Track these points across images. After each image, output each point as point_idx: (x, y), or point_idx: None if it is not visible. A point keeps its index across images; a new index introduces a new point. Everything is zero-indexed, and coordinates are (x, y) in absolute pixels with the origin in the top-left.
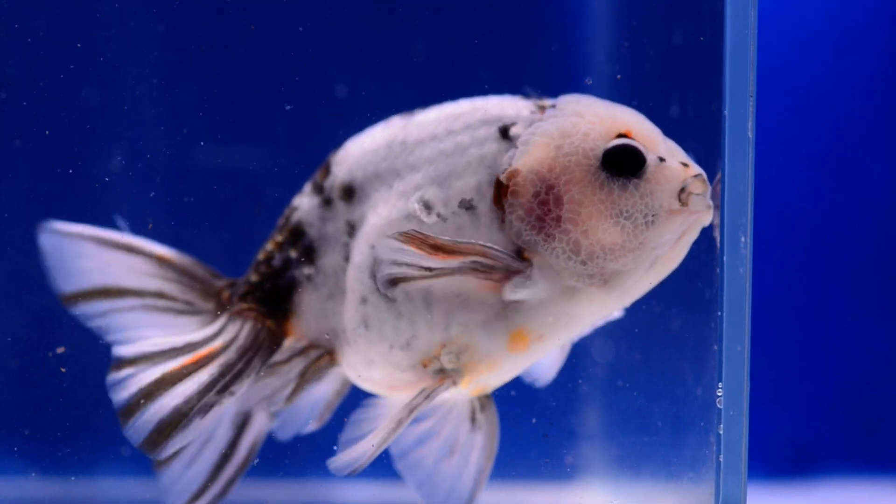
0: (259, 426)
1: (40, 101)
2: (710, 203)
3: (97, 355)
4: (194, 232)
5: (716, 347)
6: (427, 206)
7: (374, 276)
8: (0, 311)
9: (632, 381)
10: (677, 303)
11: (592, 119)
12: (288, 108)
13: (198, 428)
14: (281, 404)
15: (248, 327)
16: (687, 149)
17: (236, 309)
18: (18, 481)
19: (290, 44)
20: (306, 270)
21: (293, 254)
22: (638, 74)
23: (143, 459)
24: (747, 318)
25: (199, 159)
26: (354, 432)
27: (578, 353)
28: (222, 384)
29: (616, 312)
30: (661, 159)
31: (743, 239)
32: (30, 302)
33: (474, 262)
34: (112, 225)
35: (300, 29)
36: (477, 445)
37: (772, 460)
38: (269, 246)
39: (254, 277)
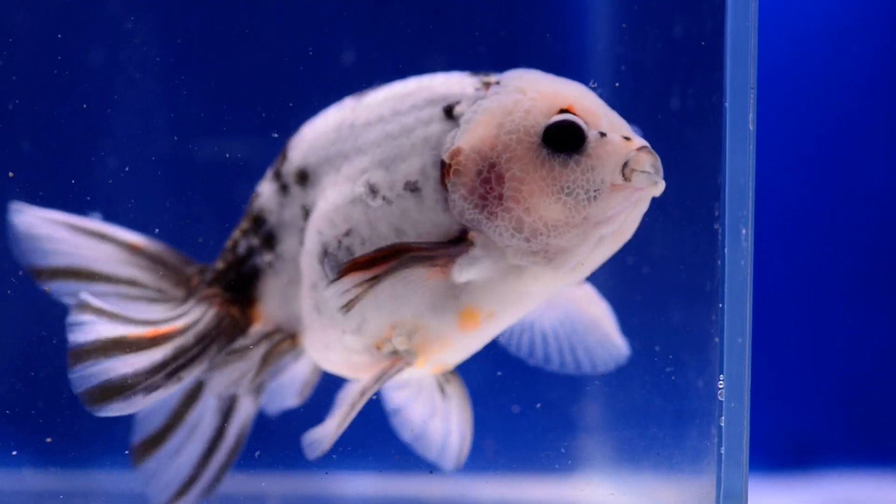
0: (245, 411)
1: (44, 97)
2: (656, 176)
3: None
4: (200, 227)
5: (717, 340)
6: (373, 190)
7: (322, 262)
8: None
9: (633, 374)
10: (678, 295)
11: (534, 95)
12: (290, 104)
13: (137, 404)
14: (247, 386)
15: (211, 313)
16: (688, 141)
17: (203, 294)
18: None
19: (291, 37)
20: (267, 257)
21: (255, 241)
22: (639, 67)
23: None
24: (748, 311)
25: (201, 153)
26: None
27: None
28: (172, 367)
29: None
30: (602, 134)
31: (744, 231)
32: (24, 294)
33: (410, 258)
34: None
35: (301, 21)
36: (453, 412)
37: (773, 453)
38: (235, 234)
39: (220, 265)
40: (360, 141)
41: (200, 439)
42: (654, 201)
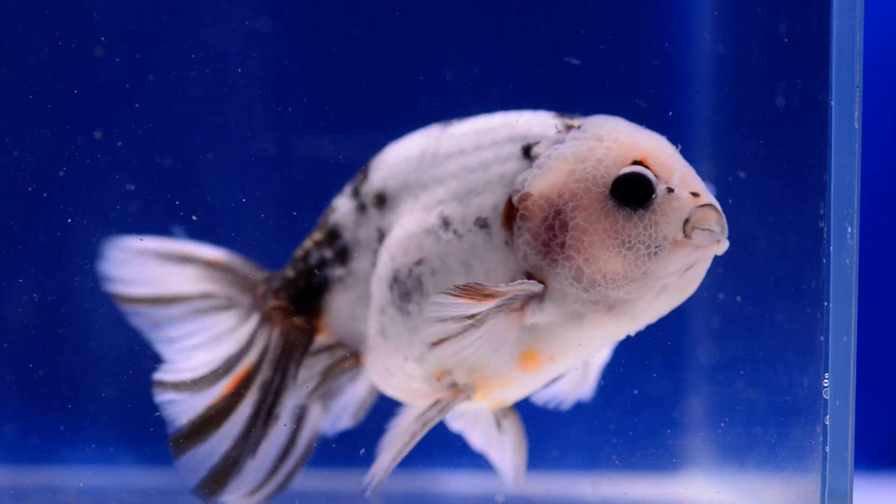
0: (315, 418)
1: (127, 91)
2: (719, 234)
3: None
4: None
5: (822, 338)
6: (446, 223)
7: (391, 286)
8: None
9: (737, 372)
10: (783, 294)
11: (610, 144)
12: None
13: (251, 469)
14: (304, 399)
15: (277, 333)
16: (793, 139)
17: (268, 308)
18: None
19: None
20: (339, 272)
21: (328, 253)
22: (744, 65)
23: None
24: (854, 309)
25: (300, 151)
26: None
27: (684, 344)
28: (265, 412)
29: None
30: (670, 189)
31: (849, 229)
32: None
33: (508, 299)
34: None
35: (404, 21)
36: (508, 445)
37: (879, 451)
38: (308, 243)
39: (290, 273)
40: (440, 171)
41: (274, 446)
42: (760, 200)
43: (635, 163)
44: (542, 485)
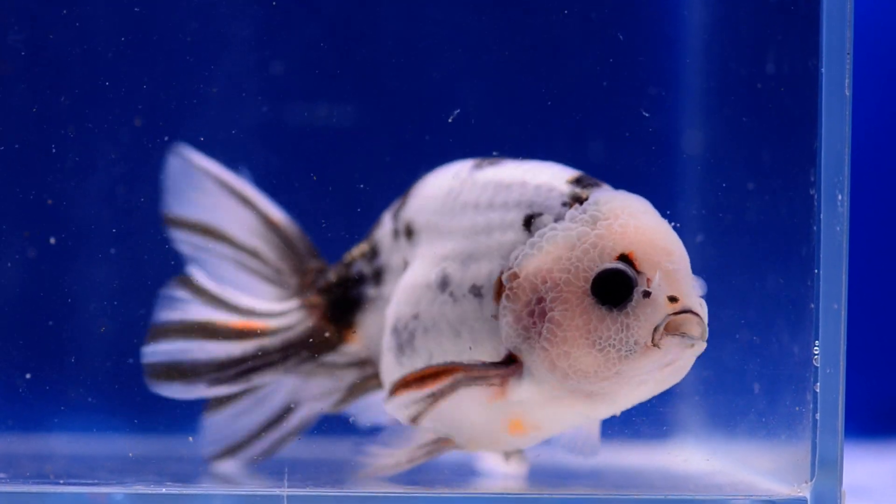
0: (308, 400)
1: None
2: (692, 340)
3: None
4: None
5: (812, 305)
6: (444, 283)
7: (392, 333)
8: None
9: (727, 340)
10: (773, 261)
11: (601, 232)
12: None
13: (196, 393)
14: (326, 408)
15: (306, 324)
16: (783, 106)
17: (308, 300)
18: None
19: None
20: (372, 291)
21: (367, 270)
22: (734, 32)
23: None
24: (844, 276)
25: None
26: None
27: None
28: (245, 367)
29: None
30: (647, 293)
31: (840, 197)
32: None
33: (465, 377)
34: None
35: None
36: (512, 470)
37: (868, 419)
38: (356, 251)
39: (333, 276)
40: (454, 223)
41: (263, 414)
42: (751, 168)
43: (622, 256)
44: (530, 453)
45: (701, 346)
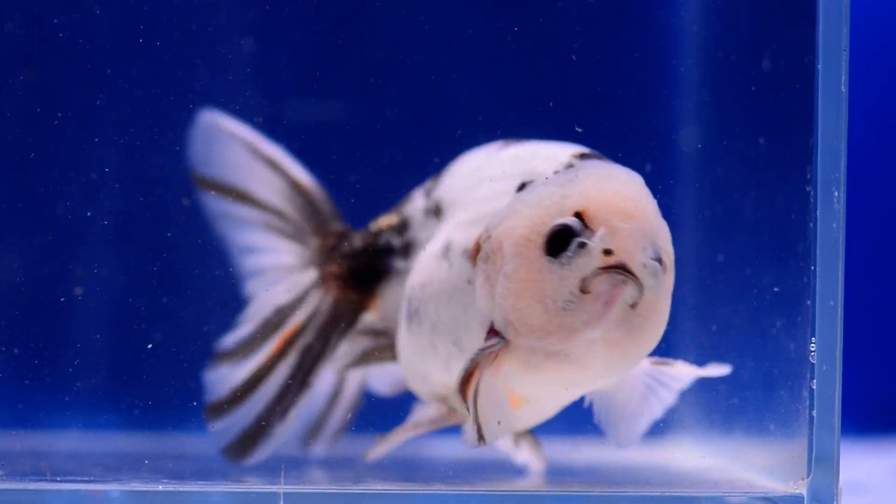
0: (351, 395)
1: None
2: (620, 279)
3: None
4: None
5: (809, 302)
6: (446, 249)
7: (407, 302)
8: None
9: (723, 336)
10: (770, 258)
11: (566, 192)
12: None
13: (281, 434)
14: (337, 372)
15: (329, 299)
16: (780, 102)
17: (327, 269)
18: None
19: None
20: (400, 264)
21: (396, 242)
22: (730, 28)
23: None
24: (840, 273)
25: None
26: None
27: (670, 308)
28: (301, 379)
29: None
30: (582, 244)
31: (836, 193)
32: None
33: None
34: None
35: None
36: (524, 455)
37: (865, 416)
38: (383, 222)
39: (358, 243)
40: (471, 195)
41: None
42: (747, 164)
43: (577, 213)
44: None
45: (634, 290)
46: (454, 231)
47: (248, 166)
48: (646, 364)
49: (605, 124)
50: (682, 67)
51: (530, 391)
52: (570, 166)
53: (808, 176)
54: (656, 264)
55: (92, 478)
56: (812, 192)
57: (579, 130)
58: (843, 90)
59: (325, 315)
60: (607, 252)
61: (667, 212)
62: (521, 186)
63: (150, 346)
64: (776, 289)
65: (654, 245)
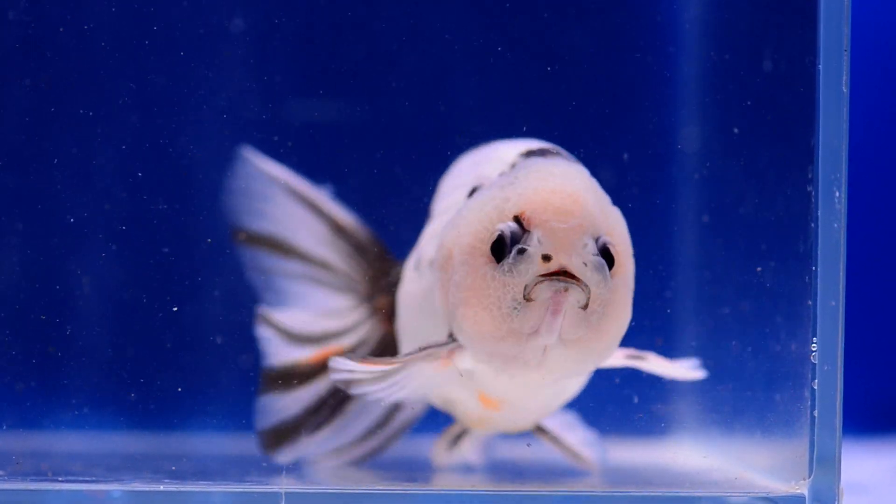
0: (399, 422)
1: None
2: (562, 286)
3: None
4: None
5: (810, 302)
6: (418, 262)
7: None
8: None
9: (725, 337)
10: (771, 258)
11: (505, 195)
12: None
13: (306, 446)
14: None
15: (377, 334)
16: (781, 103)
17: (377, 302)
18: None
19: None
20: None
21: None
22: (731, 28)
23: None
24: (842, 273)
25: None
26: None
27: (672, 309)
28: (342, 396)
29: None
30: (522, 250)
31: (837, 194)
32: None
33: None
34: None
35: None
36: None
37: (866, 416)
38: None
39: (398, 274)
40: (443, 205)
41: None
42: (749, 164)
43: (516, 217)
44: (532, 451)
45: (579, 294)
46: (424, 242)
47: (291, 215)
48: (619, 356)
49: (607, 125)
50: (683, 68)
51: (503, 393)
52: (513, 166)
53: (810, 176)
54: (599, 260)
55: (93, 478)
56: (813, 193)
57: (587, 132)
58: (845, 90)
59: (371, 346)
60: (546, 257)
61: (669, 212)
62: (472, 192)
63: (152, 346)
64: (777, 289)
65: (596, 239)
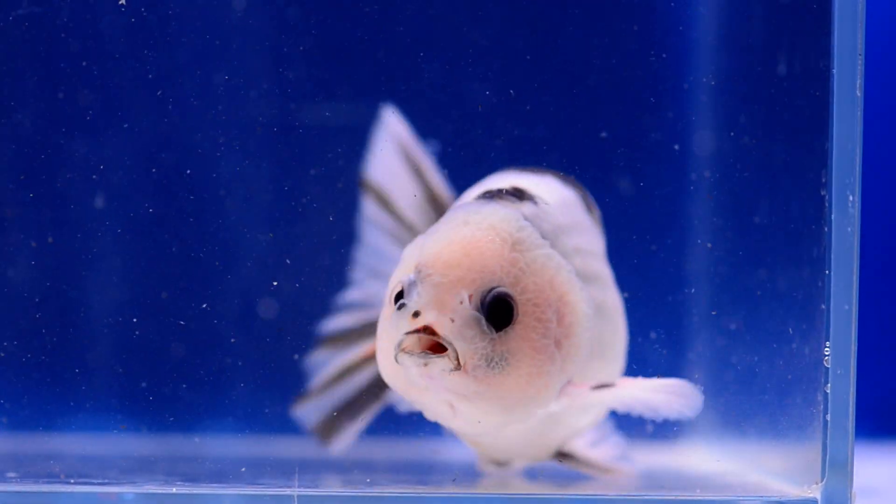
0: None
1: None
2: (422, 360)
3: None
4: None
5: (823, 306)
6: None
7: None
8: None
9: (738, 341)
10: (784, 262)
11: (423, 242)
12: None
13: (352, 431)
14: None
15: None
16: (795, 107)
17: None
18: None
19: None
20: None
21: None
22: (746, 32)
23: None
24: (855, 277)
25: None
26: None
27: (684, 312)
28: (378, 387)
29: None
30: (402, 305)
31: (851, 198)
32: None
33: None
34: None
35: None
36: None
37: (880, 420)
38: None
39: None
40: None
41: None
42: (762, 168)
43: (417, 267)
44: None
45: (442, 363)
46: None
47: (396, 172)
48: (585, 393)
49: (621, 129)
50: (698, 72)
51: (468, 432)
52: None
53: (823, 180)
54: (472, 315)
55: (106, 480)
56: (827, 197)
57: (604, 135)
58: (859, 94)
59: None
60: (416, 314)
61: (682, 217)
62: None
63: (166, 349)
64: (791, 293)
65: (489, 291)
